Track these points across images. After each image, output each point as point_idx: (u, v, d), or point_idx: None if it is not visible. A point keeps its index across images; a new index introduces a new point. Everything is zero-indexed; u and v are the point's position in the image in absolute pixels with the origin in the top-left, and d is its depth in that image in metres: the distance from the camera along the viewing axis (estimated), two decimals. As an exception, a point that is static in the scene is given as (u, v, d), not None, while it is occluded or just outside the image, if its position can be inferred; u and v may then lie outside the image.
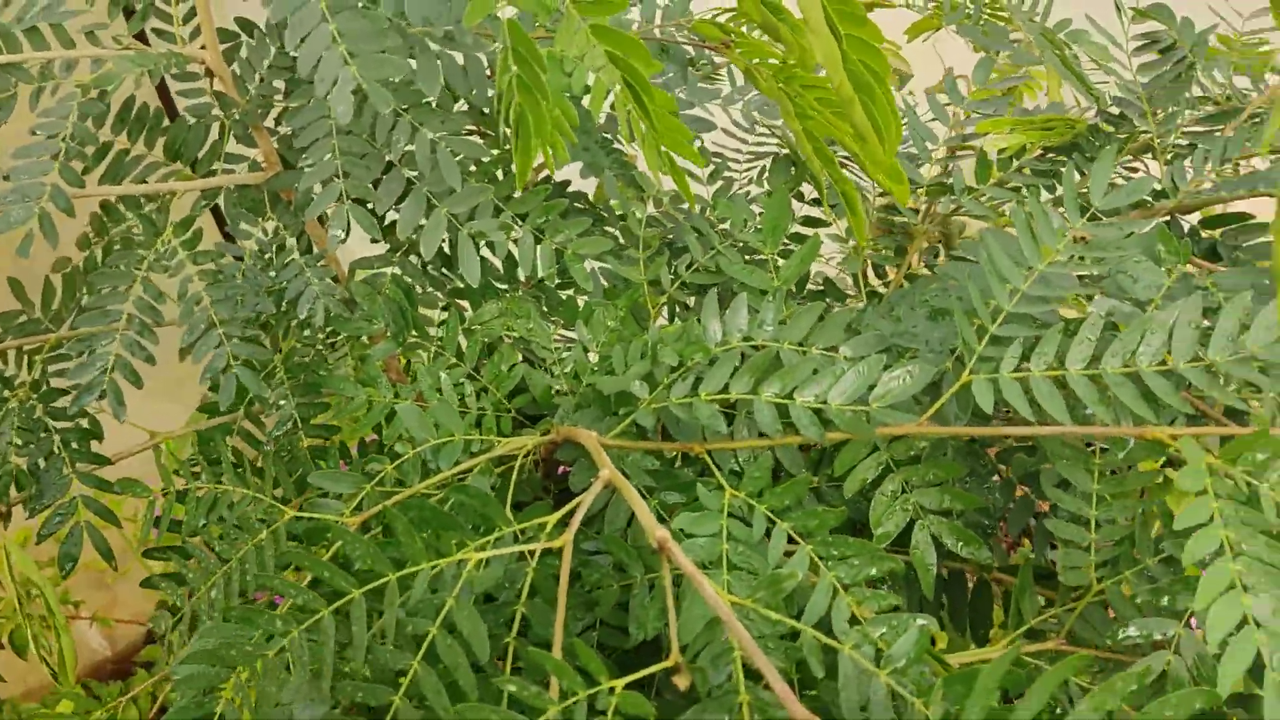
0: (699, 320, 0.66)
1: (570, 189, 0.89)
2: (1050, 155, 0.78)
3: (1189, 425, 0.57)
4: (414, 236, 0.75)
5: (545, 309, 0.88)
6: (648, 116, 0.61)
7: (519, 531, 0.59)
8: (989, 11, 1.00)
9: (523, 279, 0.88)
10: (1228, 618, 0.43)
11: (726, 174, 0.97)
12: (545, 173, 0.92)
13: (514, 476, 0.67)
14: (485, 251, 0.81)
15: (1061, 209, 0.65)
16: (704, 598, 0.47)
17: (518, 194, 0.78)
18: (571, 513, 0.56)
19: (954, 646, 0.75)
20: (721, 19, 0.83)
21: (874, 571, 0.54)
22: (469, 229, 0.75)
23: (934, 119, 0.82)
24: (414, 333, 0.82)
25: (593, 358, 0.77)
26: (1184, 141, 0.74)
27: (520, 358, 0.81)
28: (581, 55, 0.61)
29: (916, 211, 0.79)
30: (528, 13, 0.60)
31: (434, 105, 0.73)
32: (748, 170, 0.98)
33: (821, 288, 0.82)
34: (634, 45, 0.59)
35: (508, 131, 0.61)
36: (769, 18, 0.61)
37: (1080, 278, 0.65)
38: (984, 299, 0.59)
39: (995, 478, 0.68)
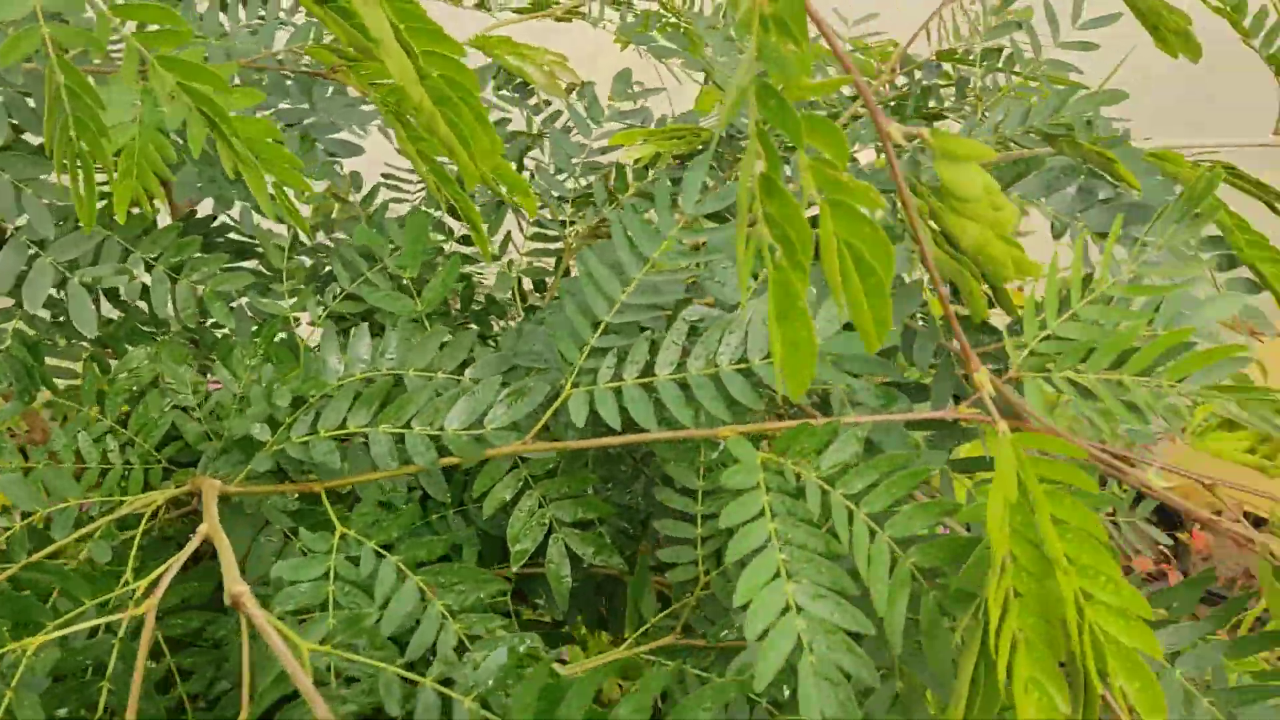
0: (317, 354, 0.64)
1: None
2: (684, 164, 0.81)
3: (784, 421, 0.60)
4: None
5: (202, 350, 0.83)
6: (230, 146, 0.58)
7: (123, 596, 0.56)
8: (685, 22, 1.03)
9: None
10: (769, 607, 0.44)
11: (399, 197, 0.95)
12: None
13: (137, 538, 0.63)
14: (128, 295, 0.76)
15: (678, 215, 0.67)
16: (275, 651, 0.45)
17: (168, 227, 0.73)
18: (160, 576, 0.52)
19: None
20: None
21: (482, 595, 0.54)
22: (80, 276, 0.70)
23: (576, 132, 0.83)
24: (44, 388, 0.76)
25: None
26: (798, 145, 0.79)
27: (173, 403, 0.77)
28: (169, 90, 0.57)
29: (564, 224, 0.80)
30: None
31: (15, 148, 0.67)
32: (420, 192, 0.97)
33: (483, 307, 0.82)
34: (208, 74, 0.57)
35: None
36: (356, 37, 0.60)
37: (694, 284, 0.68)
38: (583, 313, 0.60)
39: (639, 482, 0.70)
